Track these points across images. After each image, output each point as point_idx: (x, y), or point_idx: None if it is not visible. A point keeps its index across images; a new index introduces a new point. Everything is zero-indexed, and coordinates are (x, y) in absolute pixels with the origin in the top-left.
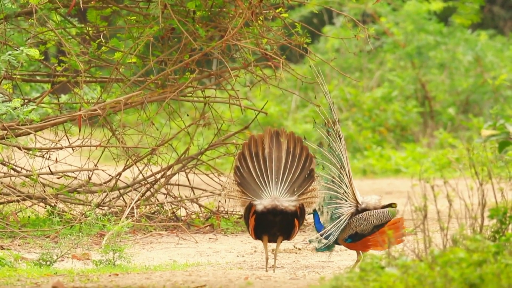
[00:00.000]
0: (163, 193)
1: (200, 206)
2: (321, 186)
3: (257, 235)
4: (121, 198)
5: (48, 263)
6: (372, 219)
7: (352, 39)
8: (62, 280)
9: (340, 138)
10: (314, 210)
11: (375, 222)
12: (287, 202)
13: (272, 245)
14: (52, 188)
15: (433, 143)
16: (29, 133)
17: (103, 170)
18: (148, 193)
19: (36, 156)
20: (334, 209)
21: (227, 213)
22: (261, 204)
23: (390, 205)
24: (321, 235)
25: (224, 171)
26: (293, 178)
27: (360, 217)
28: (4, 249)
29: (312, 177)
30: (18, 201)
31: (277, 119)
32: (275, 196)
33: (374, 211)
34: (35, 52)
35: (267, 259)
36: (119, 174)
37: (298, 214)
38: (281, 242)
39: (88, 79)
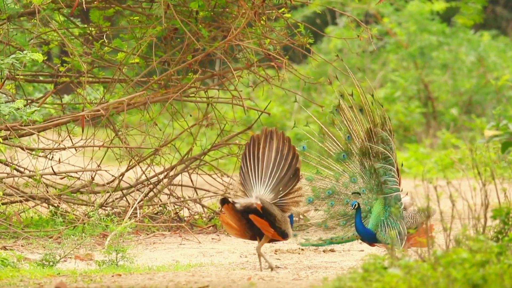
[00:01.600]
0: (166, 194)
1: (203, 206)
2: (390, 189)
3: (251, 235)
4: (124, 198)
5: (51, 263)
6: (417, 217)
7: (355, 40)
8: (65, 280)
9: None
10: (358, 209)
11: (419, 220)
12: (256, 200)
13: (274, 246)
14: (55, 189)
15: (436, 144)
16: (32, 134)
17: (106, 171)
18: (151, 194)
19: (39, 156)
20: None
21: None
22: (238, 202)
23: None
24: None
25: (227, 172)
26: (280, 177)
27: (406, 215)
28: (7, 249)
29: (297, 176)
30: (21, 201)
31: (280, 119)
32: (257, 195)
33: (419, 210)
34: (39, 57)
35: (259, 256)
36: (122, 174)
37: (259, 212)
38: (264, 241)
39: (91, 79)
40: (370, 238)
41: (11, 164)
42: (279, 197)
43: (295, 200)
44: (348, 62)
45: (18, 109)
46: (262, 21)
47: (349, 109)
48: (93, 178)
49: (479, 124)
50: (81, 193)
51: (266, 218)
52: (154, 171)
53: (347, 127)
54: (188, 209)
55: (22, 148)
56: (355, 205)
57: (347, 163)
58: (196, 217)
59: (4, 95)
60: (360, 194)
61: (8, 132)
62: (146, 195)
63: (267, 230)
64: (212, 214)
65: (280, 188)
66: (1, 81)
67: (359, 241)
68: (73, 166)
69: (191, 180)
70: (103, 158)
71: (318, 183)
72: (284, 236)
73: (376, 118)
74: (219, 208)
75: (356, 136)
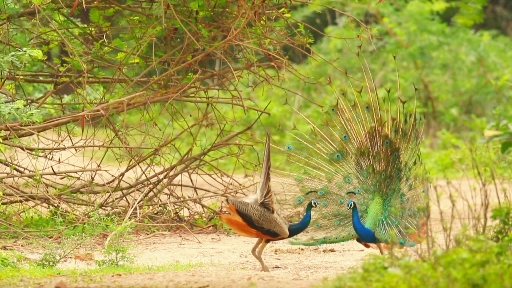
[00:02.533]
0: (166, 194)
1: (203, 206)
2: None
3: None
4: (124, 198)
5: (51, 263)
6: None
7: (354, 39)
8: (65, 280)
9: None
10: (354, 208)
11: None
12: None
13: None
14: (55, 189)
15: (436, 144)
16: (32, 134)
17: (106, 171)
18: (151, 194)
19: (39, 156)
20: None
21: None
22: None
23: None
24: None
25: (227, 172)
26: (264, 175)
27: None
28: (7, 249)
29: (269, 175)
30: (21, 201)
31: (279, 119)
32: (247, 196)
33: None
34: (38, 53)
35: (259, 259)
36: (122, 174)
37: (236, 212)
38: (263, 244)
39: (91, 79)
40: (368, 237)
41: (11, 164)
42: (264, 195)
43: (271, 198)
44: (347, 62)
45: (18, 109)
46: (262, 21)
47: (350, 108)
48: (93, 178)
49: (479, 124)
50: (81, 193)
51: (243, 219)
52: (154, 171)
53: (345, 127)
54: (188, 209)
55: (22, 148)
56: (351, 204)
57: (340, 164)
58: (196, 217)
59: (4, 95)
60: (355, 194)
61: (8, 132)
62: (146, 195)
63: (247, 231)
64: (212, 214)
65: (263, 187)
66: (1, 81)
67: (355, 240)
68: (73, 166)
69: (191, 180)
70: (103, 158)
71: (307, 184)
72: (272, 235)
73: (383, 115)
74: (219, 208)
75: (355, 136)
